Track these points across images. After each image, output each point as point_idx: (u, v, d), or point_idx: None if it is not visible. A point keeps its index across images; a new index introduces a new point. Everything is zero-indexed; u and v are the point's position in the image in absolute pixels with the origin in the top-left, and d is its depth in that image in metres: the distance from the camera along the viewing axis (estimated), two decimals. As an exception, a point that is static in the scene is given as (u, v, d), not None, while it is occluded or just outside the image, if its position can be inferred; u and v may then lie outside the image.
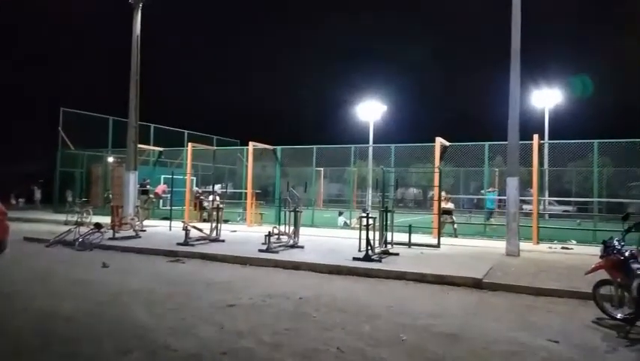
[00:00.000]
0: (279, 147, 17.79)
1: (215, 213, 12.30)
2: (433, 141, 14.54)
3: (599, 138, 14.47)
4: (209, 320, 5.34)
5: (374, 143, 29.14)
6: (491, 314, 5.84)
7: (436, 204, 12.79)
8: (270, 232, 10.22)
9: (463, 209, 21.22)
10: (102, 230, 11.40)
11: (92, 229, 11.38)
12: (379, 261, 8.95)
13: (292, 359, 4.23)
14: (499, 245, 11.17)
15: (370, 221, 9.56)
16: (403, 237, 11.39)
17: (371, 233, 9.43)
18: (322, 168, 25.16)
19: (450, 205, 14.64)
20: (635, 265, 5.10)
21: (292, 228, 10.92)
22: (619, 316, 5.37)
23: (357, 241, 9.52)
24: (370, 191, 22.77)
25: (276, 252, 9.83)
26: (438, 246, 11.20)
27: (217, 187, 19.02)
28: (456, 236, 14.01)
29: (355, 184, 26.82)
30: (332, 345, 4.56)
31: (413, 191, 34.69)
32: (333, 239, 12.75)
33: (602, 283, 5.72)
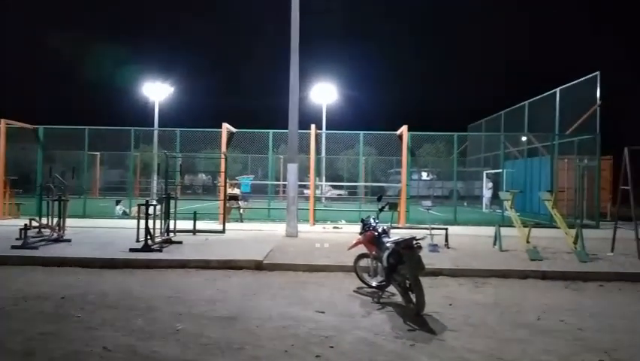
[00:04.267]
0: (41, 127, 15.32)
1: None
2: (220, 127, 14.50)
3: (364, 130, 16.50)
4: None
5: (161, 126, 27.70)
6: (269, 293, 6.09)
7: (222, 189, 12.80)
8: (26, 225, 8.75)
9: (250, 194, 21.82)
10: None
11: None
12: (160, 251, 8.51)
13: (45, 368, 3.67)
14: (281, 228, 11.79)
15: (151, 209, 9.01)
16: (190, 224, 11.11)
17: (152, 222, 8.91)
18: (98, 153, 22.85)
19: (236, 191, 14.86)
20: (385, 239, 5.89)
21: (57, 219, 9.57)
22: (374, 284, 6.16)
23: (136, 230, 8.87)
24: (155, 178, 21.59)
25: (36, 247, 8.47)
26: (223, 232, 11.24)
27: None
28: (242, 221, 14.31)
29: (138, 171, 25.14)
30: (97, 345, 4.12)
31: (202, 177, 34.23)
32: (109, 230, 11.64)
33: (361, 256, 6.50)
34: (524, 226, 9.46)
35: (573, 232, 9.09)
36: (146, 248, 8.39)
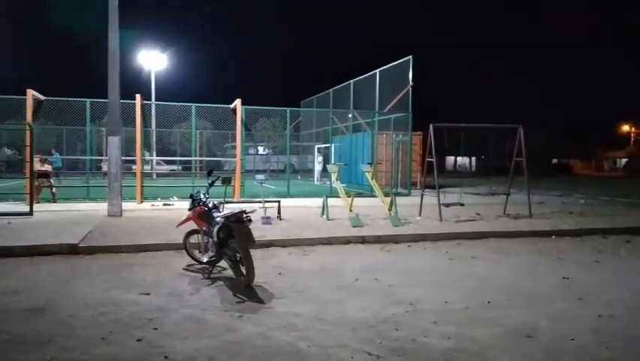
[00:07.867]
0: None
1: None
2: (24, 94, 12.55)
3: (198, 103, 15.85)
4: None
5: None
6: (85, 279, 5.53)
7: (28, 166, 11.16)
8: None
9: (67, 171, 19.57)
10: None
11: None
12: (-56, 239, 7.12)
13: None
14: (103, 207, 10.80)
15: None
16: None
17: None
18: None
19: (47, 167, 13.13)
20: (216, 214, 5.80)
21: None
22: (205, 260, 6.03)
23: None
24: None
25: None
26: (31, 213, 9.86)
27: None
28: (55, 201, 12.73)
29: None
30: None
31: (6, 152, 29.50)
32: None
33: (192, 232, 6.31)
34: (348, 196, 10.21)
35: (388, 199, 10.11)
36: None
